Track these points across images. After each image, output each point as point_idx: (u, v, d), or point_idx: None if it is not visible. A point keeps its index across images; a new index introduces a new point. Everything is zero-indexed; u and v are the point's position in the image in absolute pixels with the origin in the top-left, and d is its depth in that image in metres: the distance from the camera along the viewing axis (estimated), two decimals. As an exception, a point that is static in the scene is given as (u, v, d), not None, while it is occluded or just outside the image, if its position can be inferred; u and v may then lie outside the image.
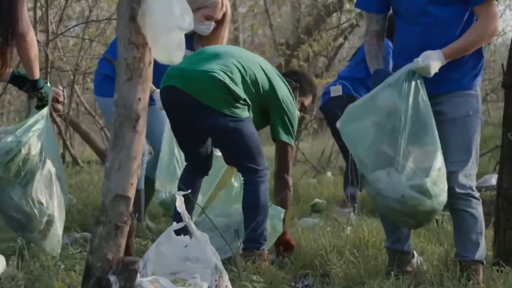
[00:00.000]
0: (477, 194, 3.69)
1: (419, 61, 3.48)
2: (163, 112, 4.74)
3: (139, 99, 2.33)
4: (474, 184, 3.69)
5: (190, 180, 4.33)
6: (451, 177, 3.57)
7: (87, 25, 8.63)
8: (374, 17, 3.80)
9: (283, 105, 4.22)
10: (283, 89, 4.24)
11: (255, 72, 4.12)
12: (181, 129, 4.25)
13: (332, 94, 6.23)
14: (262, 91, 4.15)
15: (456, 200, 3.63)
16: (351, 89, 6.06)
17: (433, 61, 3.49)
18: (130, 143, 2.33)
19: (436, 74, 3.55)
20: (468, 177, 3.66)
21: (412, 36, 3.68)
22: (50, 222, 3.91)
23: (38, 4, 7.00)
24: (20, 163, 3.80)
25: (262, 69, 4.17)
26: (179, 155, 4.83)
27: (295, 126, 4.31)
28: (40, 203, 3.87)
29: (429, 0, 3.59)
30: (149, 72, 2.35)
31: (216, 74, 3.98)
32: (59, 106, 8.95)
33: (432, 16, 3.61)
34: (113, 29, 10.04)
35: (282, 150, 4.35)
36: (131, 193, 2.37)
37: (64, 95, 9.30)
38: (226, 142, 4.15)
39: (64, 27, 8.92)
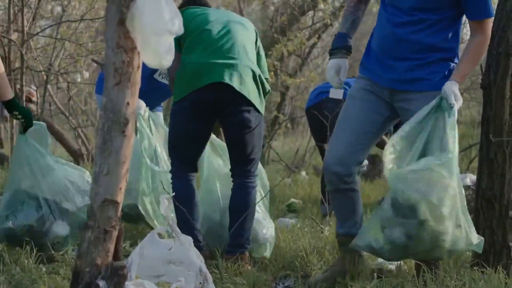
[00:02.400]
0: None
1: (454, 104, 3.46)
2: None
3: (128, 103, 2.31)
4: None
5: (191, 188, 4.21)
6: None
7: (60, 24, 8.56)
8: None
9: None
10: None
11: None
12: (204, 128, 4.16)
13: (331, 96, 5.87)
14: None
15: None
16: None
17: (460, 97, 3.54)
18: (118, 147, 2.32)
19: (406, 73, 3.63)
20: None
21: (389, 21, 3.69)
22: None
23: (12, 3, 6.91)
24: None
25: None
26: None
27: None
28: None
29: (414, 7, 3.61)
30: (137, 76, 2.33)
31: (254, 67, 4.12)
32: (32, 106, 8.88)
33: (417, 16, 3.62)
34: (85, 28, 9.97)
35: None
36: (120, 198, 2.36)
37: (37, 95, 9.23)
38: (245, 136, 4.12)
39: (37, 26, 8.84)
